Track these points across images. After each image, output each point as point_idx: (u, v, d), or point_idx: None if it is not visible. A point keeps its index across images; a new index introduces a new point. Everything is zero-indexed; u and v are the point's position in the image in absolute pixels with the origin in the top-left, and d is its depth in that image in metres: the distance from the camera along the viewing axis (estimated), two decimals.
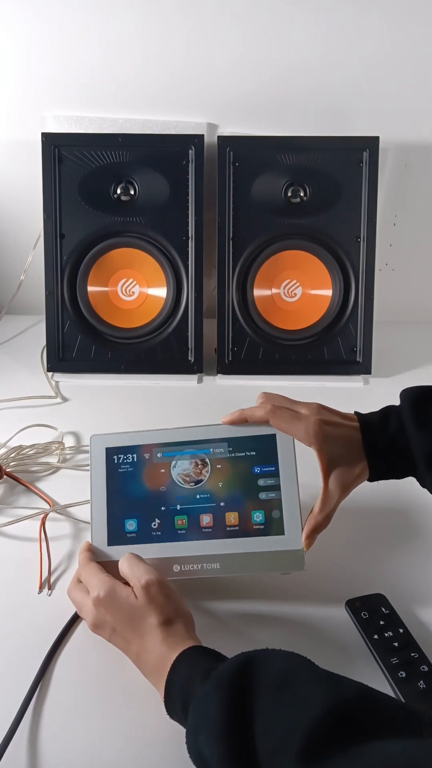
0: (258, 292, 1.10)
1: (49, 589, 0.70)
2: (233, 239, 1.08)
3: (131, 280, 1.11)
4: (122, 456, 0.70)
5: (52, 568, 0.73)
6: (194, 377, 1.10)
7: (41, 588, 0.71)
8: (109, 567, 0.64)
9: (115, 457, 0.70)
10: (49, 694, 0.60)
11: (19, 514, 0.80)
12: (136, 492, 0.69)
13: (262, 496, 0.67)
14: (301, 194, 1.08)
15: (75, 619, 0.66)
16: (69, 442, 0.94)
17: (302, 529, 0.66)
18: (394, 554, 0.75)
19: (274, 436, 0.68)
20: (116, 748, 0.55)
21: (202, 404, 1.05)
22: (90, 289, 1.10)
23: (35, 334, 1.20)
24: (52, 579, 0.72)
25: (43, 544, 0.75)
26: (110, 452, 0.70)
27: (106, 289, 1.11)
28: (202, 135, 1.07)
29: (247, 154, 1.07)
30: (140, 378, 1.10)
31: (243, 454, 0.68)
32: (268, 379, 1.10)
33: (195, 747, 0.49)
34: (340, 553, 0.74)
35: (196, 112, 1.12)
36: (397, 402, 0.69)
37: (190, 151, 1.06)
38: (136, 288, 1.11)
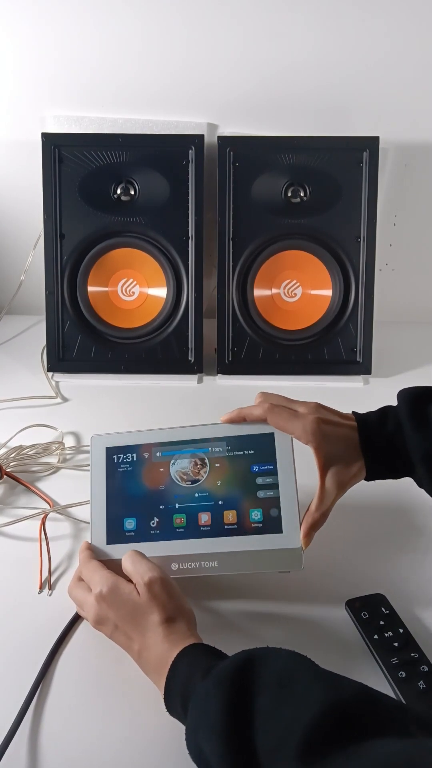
0: (258, 292, 1.10)
1: (50, 589, 0.71)
2: (233, 239, 1.08)
3: (131, 280, 1.11)
4: (122, 455, 0.70)
5: (53, 568, 0.73)
6: (194, 377, 1.10)
7: (41, 588, 0.71)
8: (110, 565, 0.64)
9: (115, 456, 0.70)
10: (50, 694, 0.60)
11: (19, 514, 0.80)
12: (136, 491, 0.69)
13: (261, 494, 0.67)
14: (301, 194, 1.08)
15: (76, 619, 0.66)
16: (69, 442, 0.94)
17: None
18: (395, 554, 0.75)
19: (272, 434, 0.68)
20: (117, 748, 0.55)
21: (202, 404, 1.05)
22: (90, 289, 1.10)
23: (35, 334, 1.20)
24: (53, 579, 0.72)
25: (43, 544, 0.75)
26: (110, 452, 0.70)
27: (106, 289, 1.11)
28: (203, 135, 1.07)
29: (247, 154, 1.07)
30: (140, 378, 1.10)
31: (241, 452, 0.68)
32: (268, 379, 1.10)
33: (195, 744, 0.49)
34: (341, 553, 0.74)
35: (196, 112, 1.12)
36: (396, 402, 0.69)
37: (190, 151, 1.06)
38: (136, 288, 1.11)
